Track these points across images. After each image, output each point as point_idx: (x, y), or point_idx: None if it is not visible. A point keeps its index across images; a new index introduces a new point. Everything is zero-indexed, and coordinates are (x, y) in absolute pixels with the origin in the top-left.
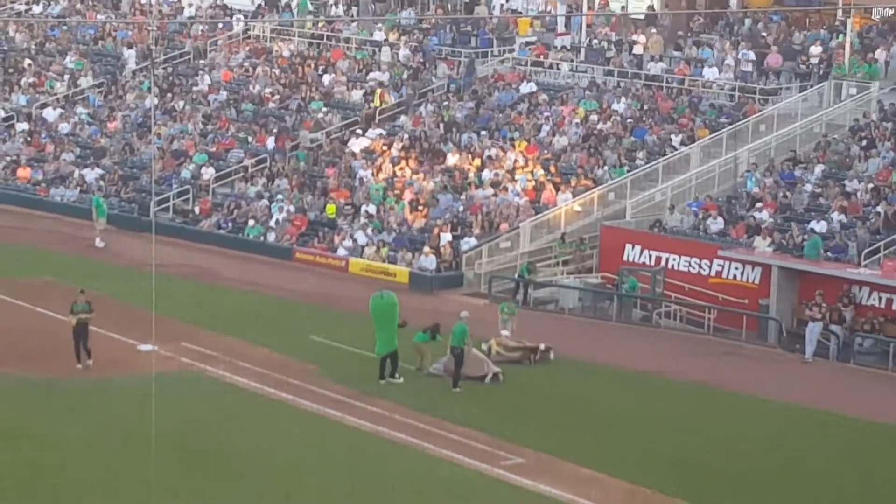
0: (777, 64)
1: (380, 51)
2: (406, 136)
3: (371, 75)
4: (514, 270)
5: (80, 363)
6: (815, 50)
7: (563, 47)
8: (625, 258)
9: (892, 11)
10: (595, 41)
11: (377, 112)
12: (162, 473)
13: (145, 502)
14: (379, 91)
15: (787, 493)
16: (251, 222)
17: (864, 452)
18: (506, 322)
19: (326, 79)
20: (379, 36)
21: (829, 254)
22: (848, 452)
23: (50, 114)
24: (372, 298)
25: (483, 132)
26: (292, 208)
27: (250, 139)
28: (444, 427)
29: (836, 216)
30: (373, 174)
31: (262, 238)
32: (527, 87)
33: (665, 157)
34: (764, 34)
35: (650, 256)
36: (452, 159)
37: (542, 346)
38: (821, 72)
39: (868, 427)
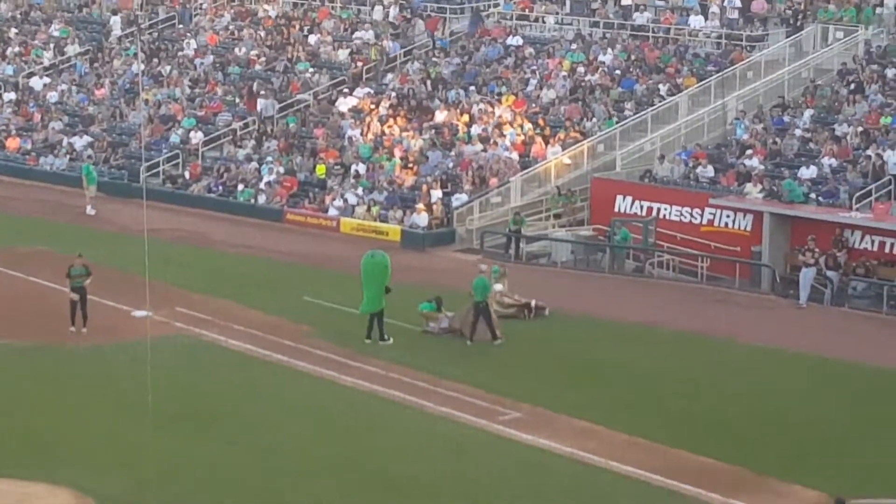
0: (762, 10)
1: (372, 9)
2: (393, 94)
3: (357, 34)
4: (506, 226)
5: (74, 326)
6: None
7: (549, 0)
8: (616, 209)
9: None
10: None
11: (376, 66)
12: (158, 438)
13: (142, 467)
14: (375, 45)
15: (783, 438)
16: (241, 185)
17: (858, 396)
18: (497, 279)
19: (312, 39)
20: None
21: (820, 198)
22: (843, 396)
23: (37, 83)
24: (364, 257)
25: (470, 88)
26: (282, 170)
27: (237, 101)
28: (440, 384)
29: (826, 161)
30: (361, 133)
31: (252, 201)
32: (513, 41)
33: (653, 108)
34: None
35: (641, 207)
36: (441, 116)
37: (534, 303)
38: (806, 16)
39: (863, 370)
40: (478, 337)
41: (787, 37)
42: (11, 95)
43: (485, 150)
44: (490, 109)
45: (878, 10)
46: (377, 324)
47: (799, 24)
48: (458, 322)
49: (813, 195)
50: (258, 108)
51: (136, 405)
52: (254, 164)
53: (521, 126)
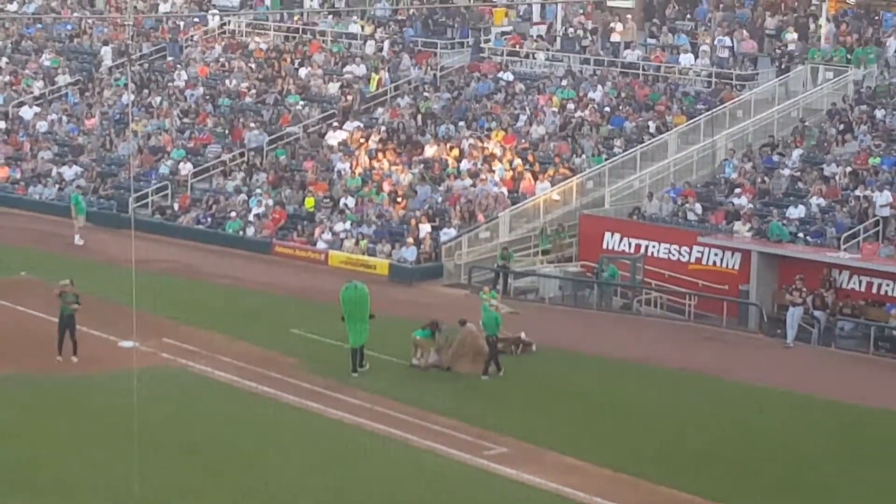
0: (752, 49)
1: (364, 43)
2: (383, 128)
3: (347, 68)
4: (494, 261)
5: (61, 356)
6: (790, 36)
7: (539, 36)
8: (604, 246)
9: None
10: (571, 30)
11: (358, 100)
12: (144, 469)
13: (128, 498)
14: (376, 77)
15: (769, 477)
16: (231, 216)
17: (845, 435)
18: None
19: (303, 72)
20: (355, 28)
21: (808, 238)
22: (829, 435)
23: (27, 112)
24: (343, 290)
25: (460, 123)
26: (271, 202)
27: (227, 133)
28: (426, 418)
29: (814, 200)
30: (351, 167)
31: (241, 232)
32: (503, 77)
33: (643, 145)
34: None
35: (630, 244)
36: (430, 150)
37: (523, 337)
38: (794, 56)
39: (850, 410)
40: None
41: (776, 76)
42: (1, 124)
43: (474, 185)
44: (480, 144)
45: (870, 50)
46: (359, 352)
47: (786, 66)
48: (447, 359)
49: (801, 234)
50: (245, 140)
51: (122, 436)
52: (242, 196)
53: (511, 161)
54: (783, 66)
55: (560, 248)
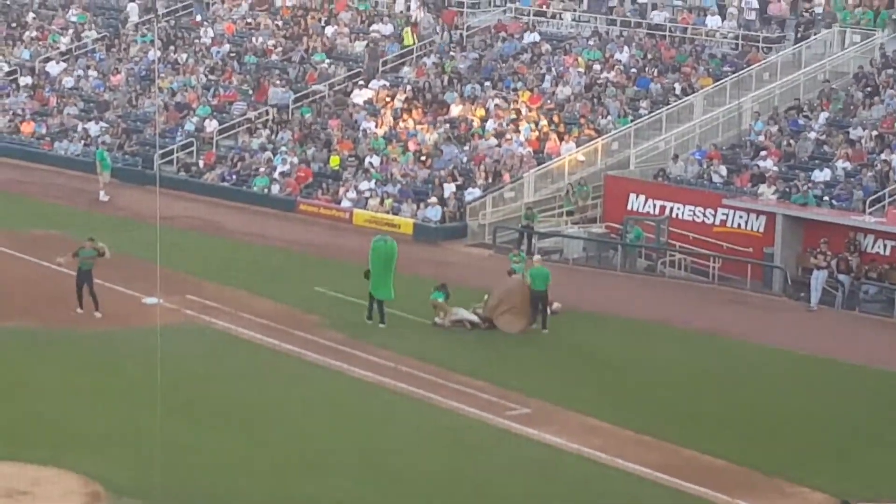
0: (779, 12)
1: (393, 2)
2: (409, 87)
3: (373, 27)
4: (519, 221)
5: (82, 308)
6: None
7: None
8: (629, 208)
9: None
10: None
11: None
12: (166, 425)
13: (149, 453)
14: (408, 29)
15: (791, 439)
16: (258, 173)
17: (867, 398)
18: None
19: (329, 30)
20: None
21: (833, 202)
22: (851, 399)
23: (53, 68)
24: (374, 240)
25: (486, 83)
26: (296, 160)
27: (251, 92)
28: (448, 377)
29: (840, 164)
30: (376, 126)
31: (266, 190)
32: (529, 38)
33: (668, 107)
34: None
35: (654, 206)
36: (456, 110)
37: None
38: (822, 18)
39: (872, 373)
40: (492, 332)
41: (803, 39)
42: (28, 80)
43: (499, 146)
44: (505, 105)
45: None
46: (379, 307)
47: (816, 29)
48: (490, 311)
49: (826, 198)
50: (270, 98)
51: (145, 392)
52: (268, 154)
53: (536, 122)
54: (809, 30)
55: (583, 206)
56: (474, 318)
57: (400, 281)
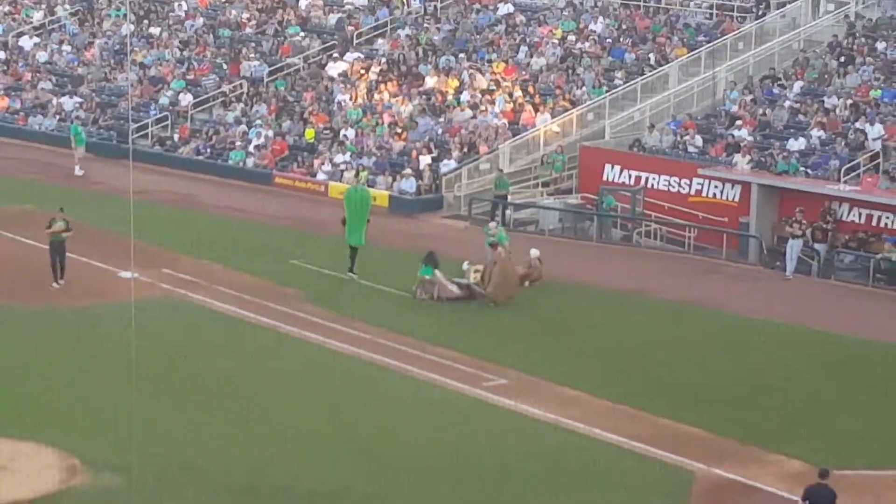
0: None
1: None
2: (384, 59)
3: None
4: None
5: (57, 282)
6: None
7: None
8: (604, 178)
9: None
10: None
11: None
12: (144, 399)
13: (127, 428)
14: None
15: (768, 408)
16: (233, 146)
17: (843, 367)
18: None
19: (303, 3)
20: None
21: (808, 171)
22: (828, 368)
23: (26, 42)
24: (347, 191)
25: (461, 54)
26: (271, 133)
27: (224, 66)
28: (425, 349)
29: (815, 133)
30: (351, 98)
31: (241, 164)
32: (504, 9)
33: (643, 77)
34: None
35: (630, 176)
36: (431, 82)
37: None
38: None
39: (849, 342)
40: (469, 304)
41: (778, 8)
42: (1, 55)
43: (474, 117)
44: (480, 76)
45: None
46: (351, 253)
47: None
48: (490, 288)
49: (801, 167)
50: (243, 71)
51: (121, 366)
52: (243, 128)
53: (511, 93)
54: None
55: (558, 176)
56: (468, 282)
57: (376, 253)
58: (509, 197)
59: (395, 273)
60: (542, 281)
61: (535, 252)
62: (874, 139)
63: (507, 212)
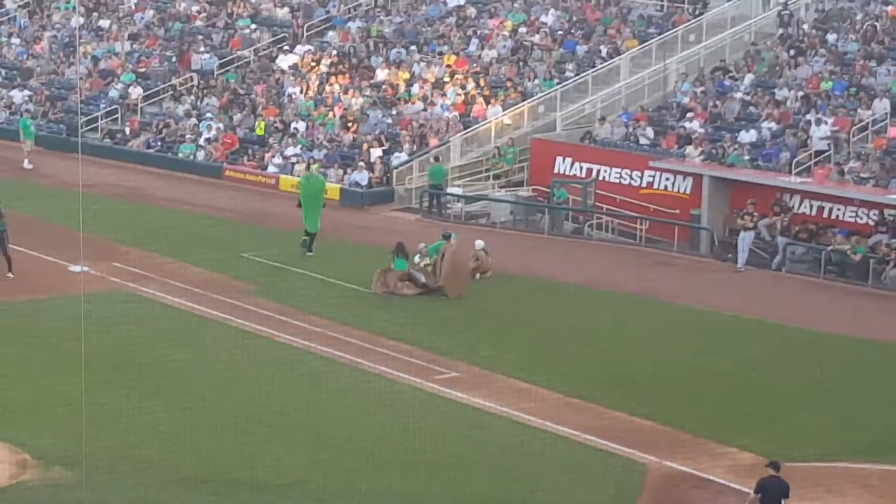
0: None
1: None
2: (335, 52)
3: None
4: (446, 186)
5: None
6: None
7: None
8: (556, 171)
9: None
10: None
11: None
12: (93, 392)
13: (77, 421)
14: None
15: (720, 401)
16: (184, 139)
17: (795, 359)
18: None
19: None
20: None
21: (759, 162)
22: (779, 359)
23: None
24: (302, 178)
25: (412, 47)
26: (221, 126)
27: (174, 59)
28: (377, 342)
29: (766, 125)
30: (302, 91)
31: (192, 157)
32: (455, 1)
33: (594, 69)
34: None
35: (581, 168)
36: (382, 75)
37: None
38: None
39: (799, 334)
40: (425, 297)
41: (729, 0)
42: None
43: (425, 110)
44: (431, 69)
45: None
46: (308, 237)
47: None
48: (441, 279)
49: (753, 159)
50: (194, 64)
51: (71, 360)
52: (193, 121)
53: (463, 86)
54: None
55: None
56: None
57: (327, 246)
58: (470, 189)
59: (346, 266)
60: (490, 273)
61: (479, 244)
62: (820, 139)
63: (442, 201)
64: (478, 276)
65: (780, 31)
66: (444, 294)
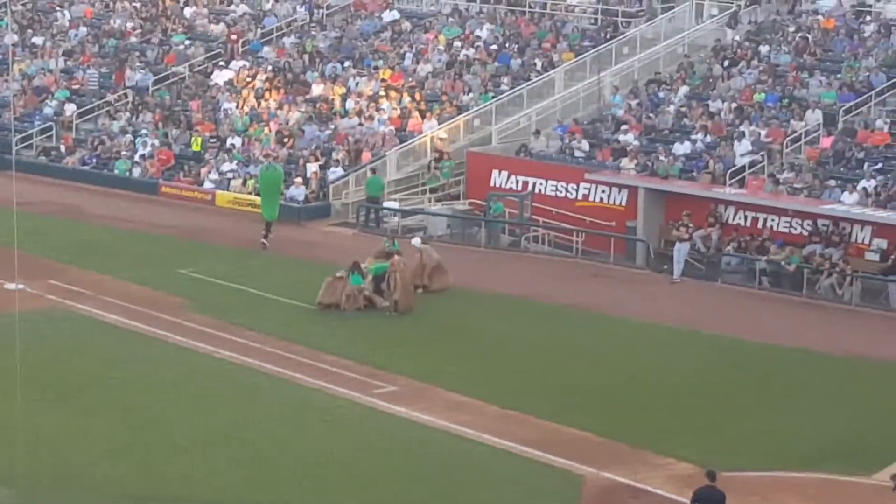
0: None
1: None
2: (270, 67)
3: (232, 7)
4: (383, 199)
5: None
6: None
7: None
8: (492, 184)
9: None
10: None
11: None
12: (33, 412)
13: (12, 441)
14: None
15: (657, 411)
16: (119, 155)
17: (731, 370)
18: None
19: (188, 11)
20: None
21: (694, 174)
22: (716, 370)
23: None
24: (261, 169)
25: (347, 62)
26: (157, 142)
27: (111, 73)
28: (316, 357)
29: (700, 136)
30: (237, 106)
31: (127, 173)
32: (389, 16)
33: (529, 82)
34: None
35: (517, 181)
36: (317, 90)
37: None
38: None
39: (736, 344)
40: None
41: (663, 12)
42: None
43: (361, 124)
44: (366, 83)
45: None
46: (266, 226)
47: (675, 2)
48: (397, 295)
49: (687, 170)
50: (128, 80)
51: (9, 379)
52: (129, 137)
53: (398, 100)
54: (669, 3)
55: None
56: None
57: (265, 261)
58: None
59: (284, 281)
60: (441, 269)
61: (416, 241)
62: (742, 155)
63: (389, 217)
64: (438, 279)
65: (716, 41)
66: (395, 310)
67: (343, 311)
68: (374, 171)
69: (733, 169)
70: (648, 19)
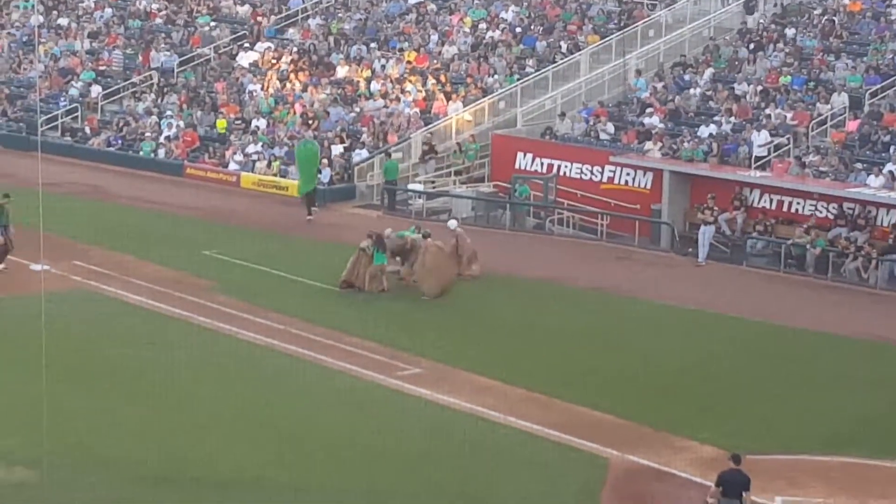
0: None
1: None
2: (295, 49)
3: None
4: (406, 181)
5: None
6: None
7: None
8: (517, 166)
9: None
10: None
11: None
12: (58, 392)
13: (38, 421)
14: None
15: (682, 394)
16: (144, 137)
17: (755, 352)
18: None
19: None
20: None
21: (728, 159)
22: (741, 353)
23: None
24: (297, 145)
25: (372, 44)
26: (182, 124)
27: (139, 56)
28: (340, 339)
29: (725, 119)
30: (262, 88)
31: (153, 154)
32: None
33: (555, 65)
34: None
35: (542, 164)
36: (342, 71)
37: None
38: None
39: (760, 328)
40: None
41: None
42: None
43: (386, 106)
44: (392, 65)
45: None
46: (306, 200)
47: None
48: (417, 273)
49: (711, 153)
50: (153, 62)
51: (32, 359)
52: (154, 118)
53: (424, 82)
54: None
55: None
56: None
57: (289, 243)
58: (424, 184)
59: (308, 263)
60: (477, 267)
61: (452, 223)
62: (759, 146)
63: (414, 199)
64: (474, 267)
65: (742, 23)
66: (422, 293)
67: (367, 293)
68: (389, 154)
69: (760, 147)
70: (673, 2)
